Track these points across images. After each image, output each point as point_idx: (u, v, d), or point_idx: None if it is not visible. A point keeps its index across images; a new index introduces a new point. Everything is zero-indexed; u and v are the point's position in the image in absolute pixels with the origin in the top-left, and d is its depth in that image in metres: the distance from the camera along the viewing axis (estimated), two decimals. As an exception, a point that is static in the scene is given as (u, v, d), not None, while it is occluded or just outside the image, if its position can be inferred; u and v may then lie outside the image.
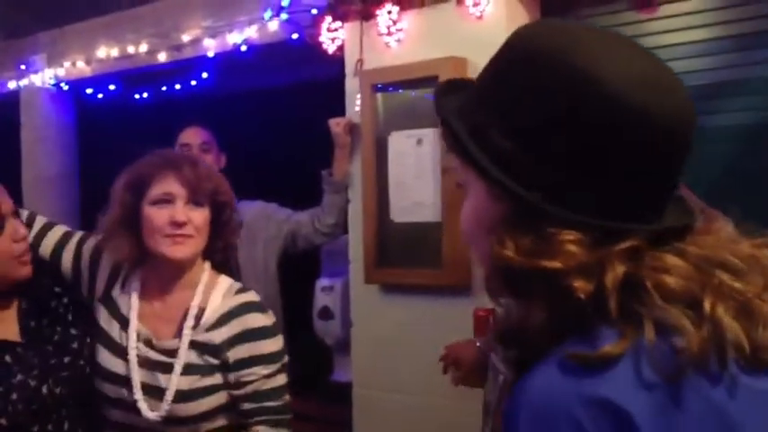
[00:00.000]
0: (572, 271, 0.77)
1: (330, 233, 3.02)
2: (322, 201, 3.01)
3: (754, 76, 2.33)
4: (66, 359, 1.74)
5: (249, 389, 1.73)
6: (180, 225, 1.69)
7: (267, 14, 3.15)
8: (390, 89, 2.82)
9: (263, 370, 1.74)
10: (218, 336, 1.73)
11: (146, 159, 1.80)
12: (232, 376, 1.72)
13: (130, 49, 3.75)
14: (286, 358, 1.80)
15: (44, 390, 1.68)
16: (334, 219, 2.98)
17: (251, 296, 1.82)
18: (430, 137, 2.72)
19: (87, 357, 1.77)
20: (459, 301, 2.66)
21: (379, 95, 2.85)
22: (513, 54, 0.85)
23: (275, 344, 1.77)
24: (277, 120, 3.56)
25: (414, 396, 2.80)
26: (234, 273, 1.92)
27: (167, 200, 1.71)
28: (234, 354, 1.72)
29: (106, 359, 1.76)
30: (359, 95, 2.87)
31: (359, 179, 2.91)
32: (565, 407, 0.74)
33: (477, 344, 2.39)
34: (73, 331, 1.78)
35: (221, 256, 1.84)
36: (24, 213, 1.90)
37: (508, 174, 0.81)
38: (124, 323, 1.77)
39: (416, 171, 2.77)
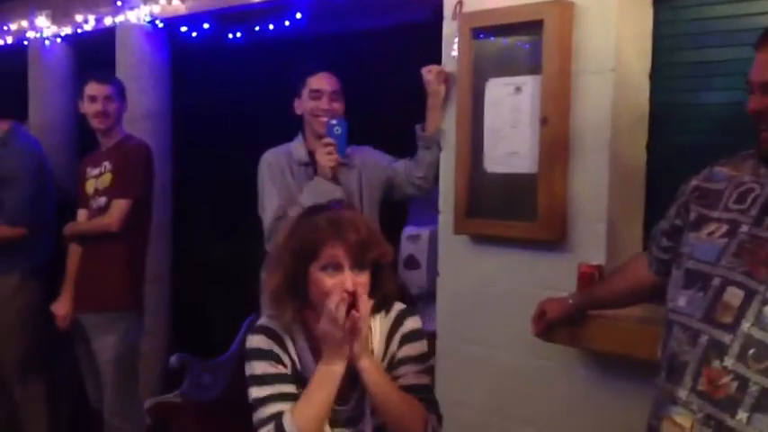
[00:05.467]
0: None
1: (421, 186, 2.98)
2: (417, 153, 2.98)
3: None
4: None
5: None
6: (349, 293, 1.77)
7: (365, -47, 3.06)
8: (491, 34, 2.71)
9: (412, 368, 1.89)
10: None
11: (310, 223, 1.85)
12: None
13: (225, -12, 3.72)
14: (432, 360, 1.98)
15: None
16: (423, 172, 2.94)
17: (397, 307, 1.94)
18: (529, 85, 2.61)
19: None
20: (553, 255, 2.57)
21: (478, 40, 2.74)
22: None
23: (420, 346, 1.93)
24: (373, 63, 3.49)
25: (499, 350, 2.75)
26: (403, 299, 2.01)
27: (336, 266, 1.79)
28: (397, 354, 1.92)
29: None
30: (456, 40, 2.78)
31: (452, 127, 2.82)
32: None
33: (570, 301, 2.32)
34: None
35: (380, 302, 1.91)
36: None
37: None
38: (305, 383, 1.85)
39: (513, 120, 2.67)
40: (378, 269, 1.85)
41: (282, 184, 2.95)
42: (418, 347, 1.92)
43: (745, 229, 1.63)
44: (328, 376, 1.78)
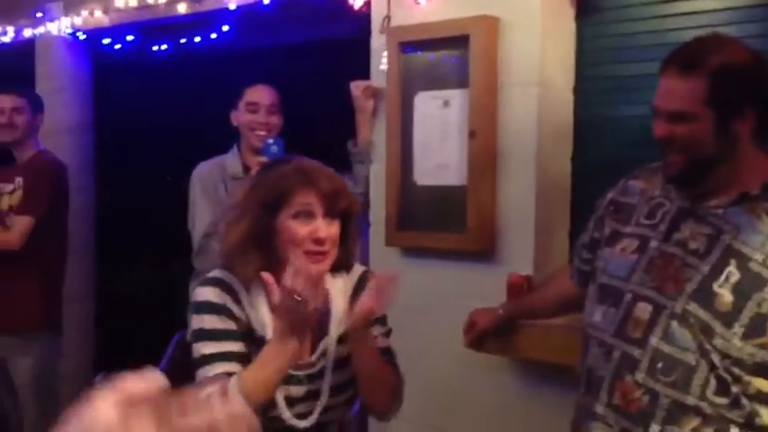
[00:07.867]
0: None
1: (360, 201, 2.95)
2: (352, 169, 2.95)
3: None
4: None
5: None
6: (321, 241, 1.72)
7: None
8: (419, 48, 2.74)
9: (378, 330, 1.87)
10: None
11: (278, 172, 1.78)
12: None
13: (150, 0, 3.66)
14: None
15: None
16: (361, 188, 2.91)
17: (358, 268, 1.91)
18: (457, 98, 2.65)
19: None
20: (482, 266, 2.61)
21: (405, 54, 2.77)
22: None
23: None
24: (301, 78, 3.48)
25: (430, 361, 2.76)
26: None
27: (308, 213, 1.73)
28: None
29: None
30: (385, 54, 2.80)
31: (383, 140, 2.84)
32: None
33: (500, 311, 2.36)
34: None
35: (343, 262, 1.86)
36: None
37: None
38: (260, 341, 1.76)
39: (442, 133, 2.70)
40: (345, 222, 1.80)
41: (215, 198, 2.85)
42: None
43: (654, 244, 1.67)
44: (281, 352, 1.69)
